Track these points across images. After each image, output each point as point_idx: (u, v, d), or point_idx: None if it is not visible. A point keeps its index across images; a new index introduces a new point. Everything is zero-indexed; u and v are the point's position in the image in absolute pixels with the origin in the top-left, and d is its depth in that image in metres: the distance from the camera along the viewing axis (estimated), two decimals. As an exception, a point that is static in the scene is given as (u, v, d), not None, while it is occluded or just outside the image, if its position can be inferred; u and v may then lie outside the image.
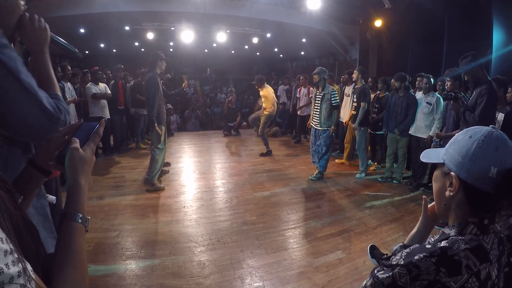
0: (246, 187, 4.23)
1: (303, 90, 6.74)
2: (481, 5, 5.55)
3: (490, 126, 0.74)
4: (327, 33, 8.25)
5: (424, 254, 0.68)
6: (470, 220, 0.72)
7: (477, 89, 3.01)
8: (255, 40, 9.90)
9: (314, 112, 4.73)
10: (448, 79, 3.63)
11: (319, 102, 4.62)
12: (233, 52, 12.96)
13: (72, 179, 0.63)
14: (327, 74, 4.81)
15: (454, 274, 0.66)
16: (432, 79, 4.28)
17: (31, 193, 0.76)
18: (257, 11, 7.00)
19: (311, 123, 4.89)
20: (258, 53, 13.52)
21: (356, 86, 5.11)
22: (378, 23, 7.07)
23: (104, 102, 5.48)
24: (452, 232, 0.74)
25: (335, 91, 4.64)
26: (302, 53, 13.16)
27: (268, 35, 9.66)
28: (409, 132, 4.41)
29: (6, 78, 0.79)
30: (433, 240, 0.77)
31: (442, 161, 0.78)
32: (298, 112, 6.86)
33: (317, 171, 4.73)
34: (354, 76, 4.96)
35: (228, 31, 8.66)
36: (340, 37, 8.41)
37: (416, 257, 0.68)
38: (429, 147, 3.95)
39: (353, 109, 4.99)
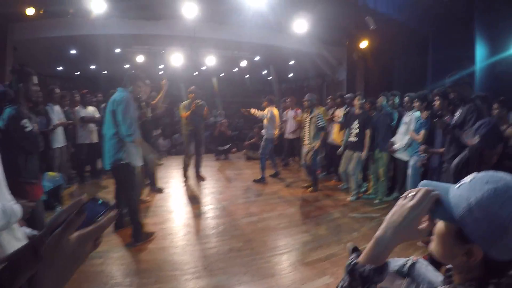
0: (234, 213, 4.30)
1: (290, 112, 6.91)
2: (464, 20, 5.86)
3: None
4: (314, 55, 8.55)
5: None
6: (491, 282, 0.66)
7: (464, 106, 3.15)
8: (243, 63, 10.21)
9: (305, 133, 5.15)
10: (437, 98, 3.71)
11: (308, 124, 5.03)
12: (222, 75, 13.31)
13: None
14: (315, 99, 5.20)
15: None
16: (412, 99, 4.38)
17: None
18: (245, 35, 7.25)
19: (303, 144, 5.28)
20: (246, 76, 13.94)
21: (350, 110, 5.40)
22: (363, 44, 7.37)
23: (93, 126, 5.55)
24: None
25: (321, 114, 5.03)
26: (291, 75, 13.55)
27: (257, 58, 9.96)
28: (392, 154, 4.57)
29: None
30: None
31: (457, 226, 0.67)
32: (286, 135, 7.01)
33: (310, 188, 5.20)
34: (357, 103, 5.00)
35: (217, 55, 8.93)
36: (327, 58, 8.71)
37: None
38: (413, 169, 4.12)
39: (355, 135, 4.97)
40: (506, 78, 5.42)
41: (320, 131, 4.96)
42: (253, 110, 5.98)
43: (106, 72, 12.36)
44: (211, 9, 5.85)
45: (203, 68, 10.80)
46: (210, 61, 9.07)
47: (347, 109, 5.71)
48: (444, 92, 3.59)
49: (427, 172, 4.02)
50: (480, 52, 5.72)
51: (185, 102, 5.53)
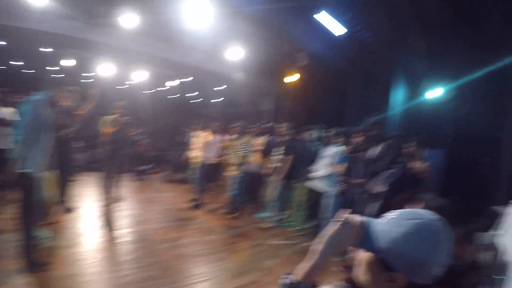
0: (151, 238, 4.08)
1: (217, 137, 6.85)
2: (384, 67, 6.72)
3: (435, 217, 0.74)
4: (244, 83, 8.89)
5: None
6: None
7: (384, 143, 3.56)
8: (175, 82, 10.16)
9: (232, 159, 5.18)
10: (361, 134, 4.04)
11: (236, 150, 5.17)
12: (151, 91, 13.04)
13: None
14: (246, 126, 5.43)
15: None
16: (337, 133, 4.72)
17: None
18: (181, 54, 7.28)
19: (227, 170, 5.25)
20: (176, 96, 13.90)
21: (272, 138, 5.70)
22: (292, 77, 7.94)
23: (7, 130, 4.77)
24: None
25: (248, 142, 5.23)
26: (219, 100, 13.86)
27: (188, 79, 10.01)
28: (310, 183, 4.84)
29: None
30: None
31: (381, 257, 0.74)
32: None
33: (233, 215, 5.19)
34: (283, 130, 5.33)
35: (149, 71, 8.74)
36: (256, 88, 9.14)
37: None
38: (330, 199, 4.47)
39: (279, 161, 5.23)
40: (418, 119, 6.35)
41: (244, 158, 5.14)
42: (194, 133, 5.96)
43: (34, 71, 11.16)
44: (151, 23, 5.75)
45: (132, 82, 10.41)
46: (141, 76, 8.80)
47: (267, 137, 5.98)
48: (364, 129, 4.00)
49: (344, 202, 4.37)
50: (397, 95, 6.64)
51: (110, 117, 5.18)
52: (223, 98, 12.66)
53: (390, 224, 0.75)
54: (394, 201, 2.49)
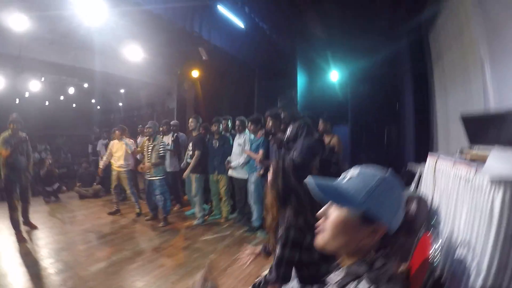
0: (79, 262, 3.71)
1: (129, 142, 6.53)
2: (287, 54, 7.20)
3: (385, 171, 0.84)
4: (145, 84, 8.54)
5: None
6: (380, 254, 0.81)
7: (295, 123, 3.74)
8: (71, 90, 9.12)
9: (147, 162, 4.99)
10: (270, 119, 4.17)
11: (150, 152, 4.94)
12: (47, 103, 11.47)
13: None
14: (158, 126, 5.29)
15: None
16: (245, 121, 5.01)
17: None
18: (76, 58, 6.55)
19: (145, 176, 5.04)
20: (74, 105, 12.47)
21: (177, 136, 5.83)
22: (195, 73, 7.92)
23: None
24: (364, 268, 0.79)
25: (164, 142, 5.16)
26: (120, 104, 13.06)
27: (86, 85, 9.10)
28: (229, 174, 5.02)
29: None
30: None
31: (364, 209, 0.79)
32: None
33: (162, 222, 5.03)
34: (192, 124, 5.35)
35: (43, 79, 7.61)
36: (158, 87, 8.86)
37: None
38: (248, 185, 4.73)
39: (189, 157, 5.35)
40: (321, 101, 7.03)
41: (162, 159, 5.04)
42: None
43: None
44: (41, 25, 5.00)
45: (26, 95, 8.95)
46: (35, 86, 7.62)
47: (174, 135, 5.98)
48: (275, 113, 4.15)
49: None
50: (301, 80, 7.21)
51: (4, 135, 4.39)
52: (125, 101, 11.92)
53: (358, 180, 0.82)
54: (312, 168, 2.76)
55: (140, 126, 6.16)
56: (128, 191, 5.63)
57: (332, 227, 0.82)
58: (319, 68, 7.33)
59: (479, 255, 1.82)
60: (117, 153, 5.60)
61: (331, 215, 0.83)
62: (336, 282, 0.82)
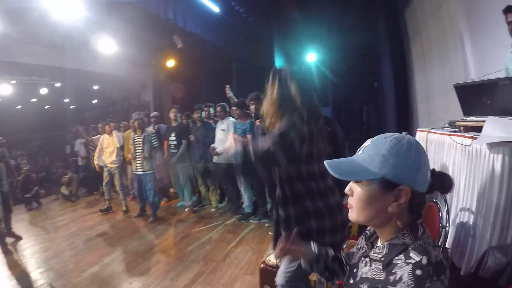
0: (70, 269, 3.54)
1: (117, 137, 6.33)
2: (263, 38, 7.11)
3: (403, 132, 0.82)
4: (119, 78, 8.20)
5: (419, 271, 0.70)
6: (418, 223, 0.79)
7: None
8: (43, 91, 8.63)
9: (137, 156, 4.81)
10: (252, 102, 4.19)
11: (141, 145, 4.75)
12: (19, 107, 10.84)
13: None
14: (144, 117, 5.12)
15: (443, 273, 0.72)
16: (226, 106, 4.96)
17: None
18: (45, 57, 6.16)
19: (133, 170, 4.85)
20: (47, 106, 11.86)
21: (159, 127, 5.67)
22: (170, 63, 7.69)
23: None
24: (407, 240, 0.77)
25: (154, 132, 4.99)
26: (95, 101, 12.57)
27: (58, 84, 8.63)
28: (213, 161, 4.91)
29: None
30: (390, 257, 0.78)
31: (381, 176, 0.76)
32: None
33: (151, 218, 4.89)
34: (172, 115, 5.28)
35: (13, 82, 7.15)
36: (132, 81, 8.56)
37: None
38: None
39: (173, 147, 5.26)
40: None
41: (157, 150, 4.90)
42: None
43: None
44: (7, 25, 4.66)
45: None
46: (5, 90, 7.18)
47: (156, 127, 5.84)
48: (258, 95, 4.10)
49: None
50: (279, 63, 7.18)
51: None
52: (99, 98, 11.49)
53: (371, 149, 0.80)
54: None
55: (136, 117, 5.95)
56: (118, 187, 5.47)
57: (357, 202, 0.82)
58: (296, 50, 7.32)
59: (483, 217, 1.90)
60: (108, 148, 5.45)
61: (355, 191, 0.83)
62: (380, 259, 0.81)
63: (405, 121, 5.99)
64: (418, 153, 0.77)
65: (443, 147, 2.58)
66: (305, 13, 6.51)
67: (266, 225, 4.41)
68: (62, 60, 6.46)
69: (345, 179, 0.81)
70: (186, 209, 5.24)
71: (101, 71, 7.40)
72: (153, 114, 6.00)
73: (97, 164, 5.68)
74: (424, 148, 2.93)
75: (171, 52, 7.24)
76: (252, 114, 4.45)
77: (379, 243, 0.86)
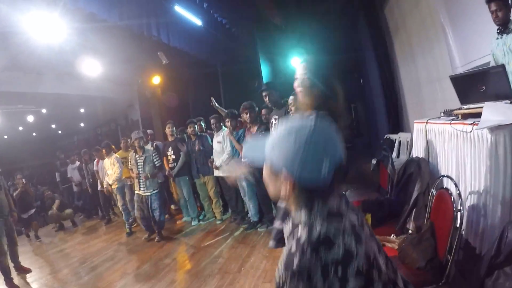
0: None
1: (101, 162, 6.20)
2: (247, 46, 7.26)
3: (311, 116, 0.80)
4: (105, 99, 8.20)
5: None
6: (315, 203, 0.79)
7: (279, 109, 4.00)
8: (30, 118, 8.55)
9: (140, 177, 4.80)
10: (246, 111, 4.30)
11: (142, 165, 4.76)
12: (6, 137, 10.72)
13: None
14: (143, 137, 5.10)
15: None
16: (219, 119, 5.02)
17: None
18: (30, 84, 6.10)
19: (137, 192, 4.84)
20: (34, 133, 11.68)
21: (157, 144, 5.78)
22: (156, 79, 7.74)
23: None
24: (302, 214, 0.80)
25: (155, 152, 4.98)
26: (82, 124, 12.48)
27: (44, 110, 8.54)
28: (215, 174, 4.99)
29: None
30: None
31: (268, 163, 0.83)
32: (99, 188, 6.38)
33: (157, 237, 4.86)
34: (169, 130, 5.38)
35: None
36: (119, 101, 8.56)
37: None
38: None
39: (172, 162, 5.34)
40: (284, 87, 7.23)
41: (160, 169, 4.94)
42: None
43: None
44: None
45: None
46: None
47: (154, 144, 5.92)
48: (251, 104, 4.31)
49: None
50: (264, 70, 7.32)
51: None
52: (86, 121, 11.38)
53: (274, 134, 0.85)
54: None
55: (123, 141, 5.93)
56: (121, 208, 5.51)
57: (264, 180, 0.88)
58: (280, 56, 7.48)
59: (492, 197, 2.04)
60: (110, 170, 5.50)
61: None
62: (289, 234, 0.86)
63: (394, 113, 6.19)
64: (314, 147, 0.75)
65: (443, 136, 2.73)
66: (287, 19, 6.70)
67: None
68: (47, 86, 6.46)
69: (248, 160, 0.92)
70: (192, 223, 5.24)
71: (86, 94, 7.41)
72: (149, 131, 6.03)
73: (107, 187, 5.72)
74: (425, 139, 3.13)
75: (156, 69, 7.29)
76: (248, 122, 4.52)
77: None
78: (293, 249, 0.75)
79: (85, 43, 4.95)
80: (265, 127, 4.33)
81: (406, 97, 5.91)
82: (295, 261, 0.72)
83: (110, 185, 5.56)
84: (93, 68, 5.85)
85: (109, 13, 4.27)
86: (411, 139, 4.13)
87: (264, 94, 4.22)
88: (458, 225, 1.91)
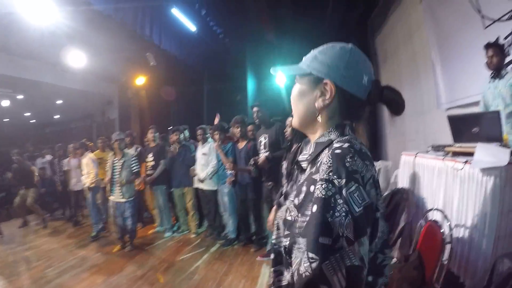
0: None
1: (75, 161, 5.91)
2: (237, 59, 7.31)
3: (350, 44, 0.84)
4: (84, 93, 7.92)
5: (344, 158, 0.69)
6: (346, 123, 0.82)
7: (270, 128, 4.07)
8: (5, 103, 8.08)
9: (115, 182, 4.58)
10: (237, 125, 4.33)
11: (119, 170, 4.54)
12: None
13: None
14: (125, 139, 4.88)
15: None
16: (207, 129, 4.99)
17: None
18: (11, 67, 5.77)
19: (110, 197, 4.62)
20: (7, 119, 11.02)
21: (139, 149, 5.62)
22: (140, 80, 7.59)
23: None
24: (332, 136, 0.80)
25: (135, 156, 4.77)
26: (57, 116, 11.96)
27: (20, 96, 8.10)
28: (194, 186, 4.95)
29: None
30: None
31: (309, 71, 0.82)
32: (71, 187, 6.05)
33: (129, 246, 4.69)
34: (151, 136, 5.25)
35: None
36: (98, 96, 8.30)
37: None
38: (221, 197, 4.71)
39: (150, 169, 5.18)
40: (270, 102, 7.31)
41: (136, 176, 4.69)
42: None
43: None
44: None
45: None
46: None
47: (138, 149, 5.78)
48: (242, 119, 4.34)
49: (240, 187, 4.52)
50: (251, 84, 7.36)
51: None
52: (62, 113, 10.88)
53: (308, 54, 0.88)
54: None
55: (101, 140, 5.65)
56: (89, 209, 5.24)
57: (293, 101, 0.88)
58: (267, 71, 7.57)
59: (478, 231, 2.21)
60: (85, 170, 5.27)
61: (292, 93, 0.90)
62: (308, 157, 0.82)
63: (376, 142, 6.40)
64: (349, 55, 0.80)
65: (433, 170, 2.87)
66: (279, 36, 6.83)
67: (252, 250, 4.41)
68: (27, 71, 6.16)
69: (282, 73, 0.90)
70: (166, 235, 5.10)
71: (66, 85, 7.11)
72: (134, 134, 5.87)
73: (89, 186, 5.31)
74: (412, 171, 3.25)
75: (142, 69, 7.15)
76: (237, 137, 4.53)
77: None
78: (319, 163, 0.73)
79: (73, 32, 4.79)
80: (253, 144, 4.34)
81: (389, 127, 6.14)
82: (341, 167, 0.67)
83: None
84: (78, 59, 5.65)
85: (105, 4, 4.19)
86: (391, 168, 4.29)
87: (255, 109, 4.28)
88: (446, 256, 2.02)
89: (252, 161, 4.04)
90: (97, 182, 5.24)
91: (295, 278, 0.64)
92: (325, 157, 0.72)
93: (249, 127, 4.59)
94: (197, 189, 5.01)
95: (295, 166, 0.90)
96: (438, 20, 3.98)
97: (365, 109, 0.83)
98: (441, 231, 2.13)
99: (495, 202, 2.12)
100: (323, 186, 0.65)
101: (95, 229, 5.23)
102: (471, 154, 2.42)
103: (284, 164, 2.82)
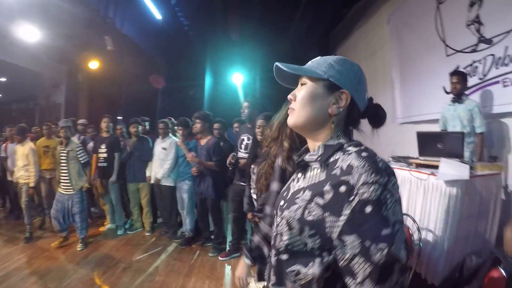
0: None
1: (12, 146, 5.33)
2: (198, 53, 7.21)
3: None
4: (32, 73, 7.16)
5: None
6: (350, 128, 0.90)
7: (252, 129, 3.90)
8: None
9: (62, 173, 4.28)
10: (198, 121, 4.23)
11: (65, 160, 4.26)
12: None
13: None
14: (72, 127, 4.60)
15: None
16: (169, 123, 4.90)
17: None
18: None
19: (58, 189, 4.30)
20: None
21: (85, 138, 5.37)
22: (94, 64, 7.07)
23: None
24: (342, 140, 0.86)
25: (80, 145, 4.48)
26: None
27: None
28: (151, 182, 4.82)
29: None
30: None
31: (327, 77, 0.87)
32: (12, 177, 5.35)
33: (80, 245, 4.38)
34: (104, 125, 4.96)
35: None
36: (45, 77, 7.57)
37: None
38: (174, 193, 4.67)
39: (102, 161, 4.92)
40: (223, 100, 7.35)
41: (85, 166, 4.42)
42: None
43: None
44: None
45: None
46: None
47: (81, 137, 5.46)
48: (204, 115, 4.28)
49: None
50: (208, 80, 7.34)
51: None
52: (4, 92, 9.60)
53: (318, 60, 0.92)
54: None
55: (47, 126, 5.10)
56: (23, 206, 4.70)
57: (301, 101, 0.90)
58: (224, 68, 7.61)
59: (440, 235, 2.62)
60: (20, 161, 4.69)
61: (298, 94, 0.91)
62: (318, 158, 0.86)
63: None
64: (361, 73, 0.89)
65: (397, 179, 3.22)
66: (243, 36, 6.93)
67: (210, 254, 4.33)
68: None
69: (293, 72, 0.91)
70: (118, 232, 4.91)
71: (12, 62, 6.32)
72: (81, 121, 5.45)
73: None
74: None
75: (97, 53, 6.66)
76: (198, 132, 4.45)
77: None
78: (346, 166, 0.77)
79: (28, 5, 4.32)
80: (216, 141, 4.34)
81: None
82: (378, 167, 0.74)
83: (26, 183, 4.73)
84: (30, 33, 5.10)
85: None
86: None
87: (245, 105, 4.13)
88: (415, 257, 2.35)
89: (233, 159, 3.95)
90: (41, 173, 4.79)
91: (367, 271, 0.73)
92: (352, 160, 0.77)
93: (216, 125, 4.56)
94: (152, 185, 4.89)
95: (295, 166, 0.98)
96: (403, 42, 4.46)
97: (359, 120, 0.91)
98: (410, 233, 2.46)
99: (456, 210, 2.55)
100: (371, 189, 0.72)
101: (29, 228, 4.71)
102: (434, 166, 2.81)
103: (254, 168, 2.85)
